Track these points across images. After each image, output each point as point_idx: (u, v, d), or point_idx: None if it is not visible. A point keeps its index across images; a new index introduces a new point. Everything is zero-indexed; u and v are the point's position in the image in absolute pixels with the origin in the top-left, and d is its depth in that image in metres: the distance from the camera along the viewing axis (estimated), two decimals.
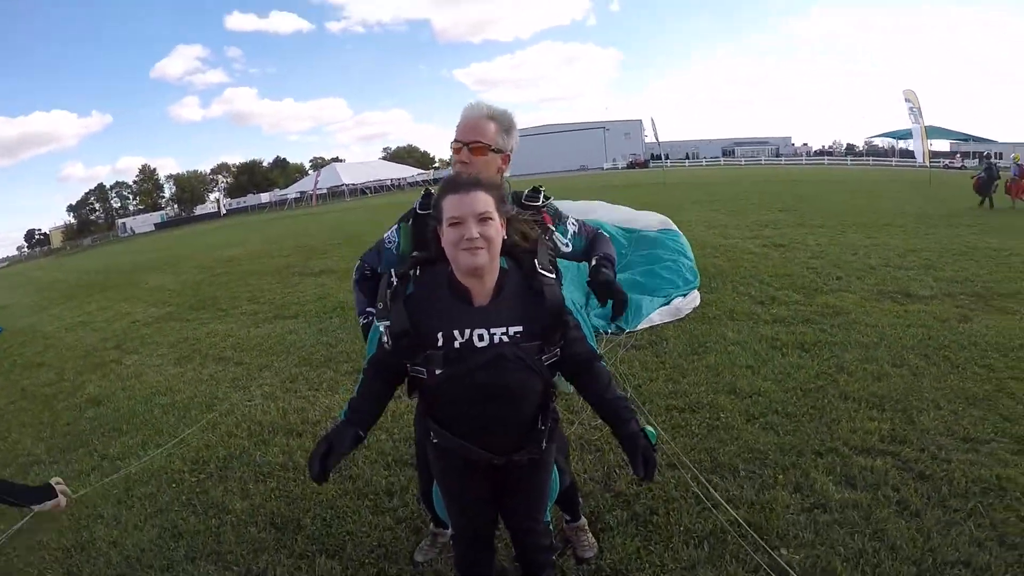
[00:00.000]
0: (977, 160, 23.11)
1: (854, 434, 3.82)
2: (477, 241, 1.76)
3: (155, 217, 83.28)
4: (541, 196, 2.38)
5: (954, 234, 12.07)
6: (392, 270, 1.91)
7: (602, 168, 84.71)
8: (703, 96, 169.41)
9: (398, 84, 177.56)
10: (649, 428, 1.94)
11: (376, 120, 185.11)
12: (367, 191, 71.71)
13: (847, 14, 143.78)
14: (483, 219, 1.78)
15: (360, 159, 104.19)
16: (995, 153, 41.88)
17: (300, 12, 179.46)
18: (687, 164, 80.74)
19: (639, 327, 6.04)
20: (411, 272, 1.91)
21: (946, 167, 54.24)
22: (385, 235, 2.46)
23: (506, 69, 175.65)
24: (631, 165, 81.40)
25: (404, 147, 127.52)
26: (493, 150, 2.26)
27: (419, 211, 2.30)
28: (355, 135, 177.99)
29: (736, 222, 14.60)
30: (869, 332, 5.81)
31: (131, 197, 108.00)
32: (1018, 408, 4.12)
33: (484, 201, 1.80)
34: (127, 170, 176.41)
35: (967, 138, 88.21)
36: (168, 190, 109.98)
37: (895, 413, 4.09)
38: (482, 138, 2.24)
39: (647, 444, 1.87)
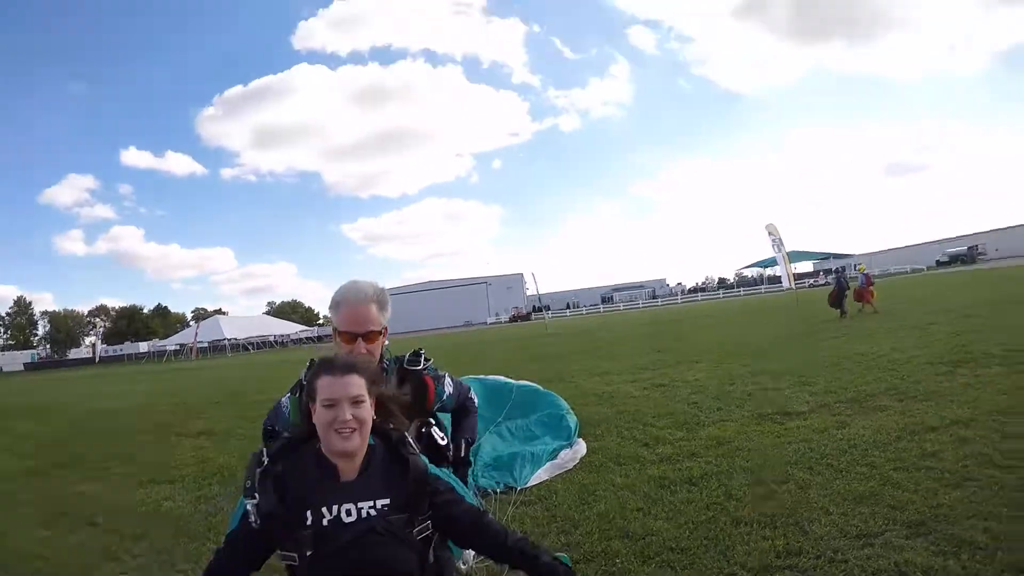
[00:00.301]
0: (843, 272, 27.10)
1: (750, 556, 4.01)
2: (350, 423, 1.89)
3: (25, 356, 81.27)
4: (422, 359, 2.62)
5: (823, 347, 13.35)
6: (263, 448, 2.00)
7: (486, 323, 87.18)
8: (581, 247, 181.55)
9: (286, 237, 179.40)
10: (562, 555, 2.01)
11: (262, 272, 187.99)
12: (250, 347, 71.44)
13: (711, 161, 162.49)
14: (356, 402, 1.93)
15: (244, 312, 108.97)
16: (853, 266, 47.10)
17: (195, 155, 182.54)
18: (568, 314, 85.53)
19: (529, 483, 6.18)
20: (280, 451, 2.00)
21: (810, 286, 59.80)
22: (282, 399, 2.56)
23: (393, 225, 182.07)
24: (514, 318, 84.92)
25: (289, 302, 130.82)
26: (381, 332, 2.49)
27: (305, 383, 2.41)
28: (240, 287, 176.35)
29: (617, 367, 15.29)
30: (753, 456, 6.21)
31: (1, 331, 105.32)
32: (904, 496, 4.55)
33: (358, 384, 1.95)
34: (1, 300, 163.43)
35: (827, 256, 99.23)
36: (42, 327, 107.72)
37: (787, 527, 4.35)
38: (373, 326, 2.46)
39: (567, 569, 1.95)
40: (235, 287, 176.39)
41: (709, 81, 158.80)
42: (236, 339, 71.09)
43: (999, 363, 9.22)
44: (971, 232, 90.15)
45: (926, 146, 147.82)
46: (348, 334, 2.44)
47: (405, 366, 2.60)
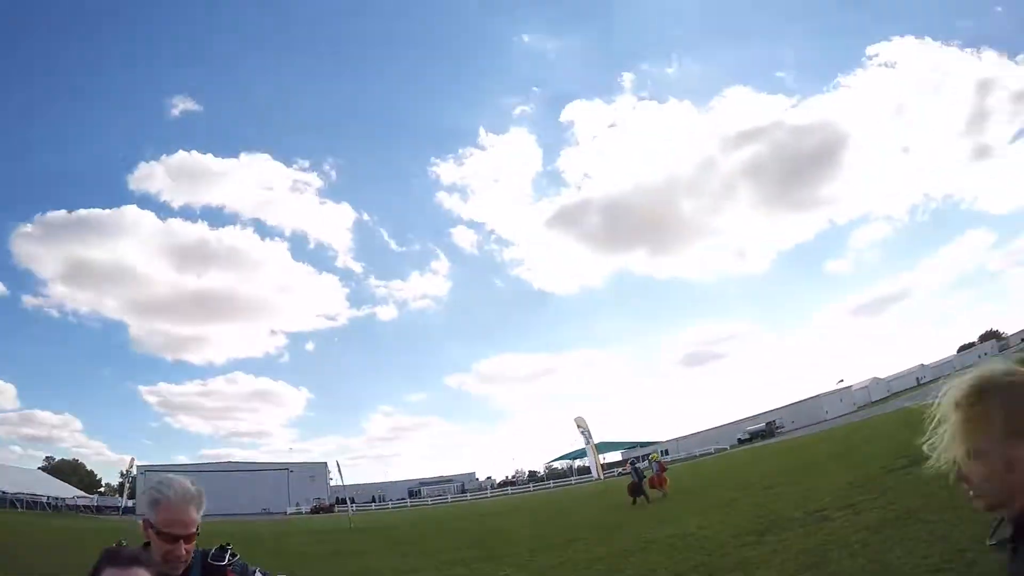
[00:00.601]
0: (646, 463, 29.10)
1: None
2: None
3: None
4: (227, 555, 2.60)
5: (632, 533, 13.74)
6: None
7: (285, 512, 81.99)
8: (390, 438, 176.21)
9: (78, 386, 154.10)
10: None
11: (45, 421, 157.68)
12: (18, 503, 60.95)
13: (523, 356, 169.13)
14: None
15: (17, 462, 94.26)
16: (657, 451, 49.99)
17: (1, 272, 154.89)
18: (373, 507, 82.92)
19: None
20: None
21: (619, 474, 61.94)
22: None
23: (195, 395, 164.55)
24: (315, 510, 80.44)
25: (69, 460, 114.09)
26: (199, 531, 2.48)
27: None
28: (18, 431, 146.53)
29: (425, 564, 14.75)
30: None
31: None
32: None
33: None
34: None
35: (634, 445, 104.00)
36: None
37: None
38: (194, 527, 2.45)
39: None
40: (11, 430, 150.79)
41: (524, 281, 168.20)
42: (5, 492, 61.57)
43: (800, 525, 10.03)
44: (768, 409, 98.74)
45: (727, 336, 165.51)
46: (170, 535, 2.41)
47: (210, 561, 2.56)
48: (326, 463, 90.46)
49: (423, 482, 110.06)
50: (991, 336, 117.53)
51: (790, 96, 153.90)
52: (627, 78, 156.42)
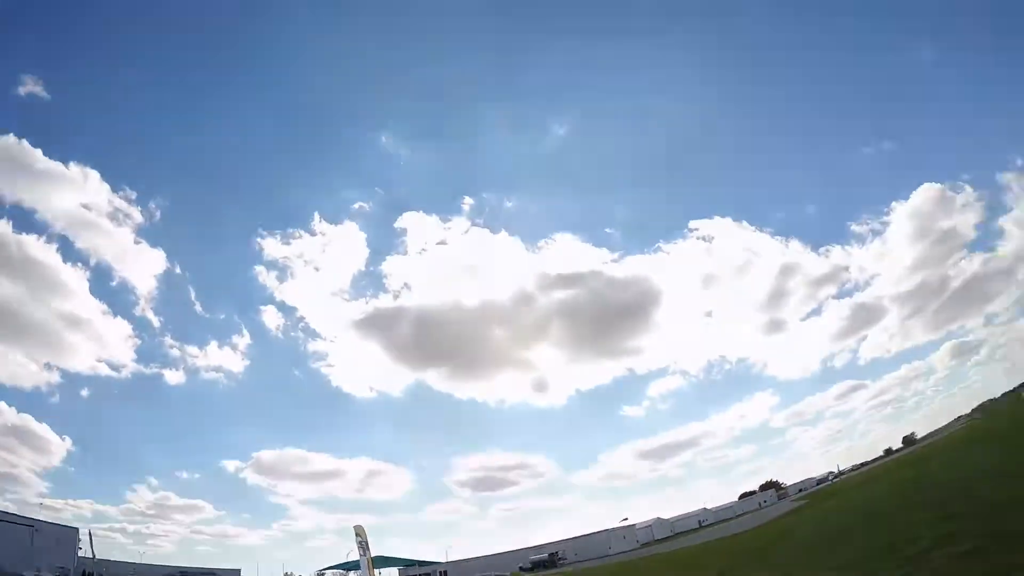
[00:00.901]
0: None
1: None
2: None
3: None
4: None
5: None
6: None
7: (23, 575, 73.45)
8: (153, 513, 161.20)
9: None
10: None
11: None
12: None
13: (307, 453, 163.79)
14: None
15: None
16: (436, 572, 50.85)
17: None
18: None
19: None
20: None
21: None
22: None
23: None
24: None
25: None
26: None
27: None
28: None
29: None
30: None
31: None
32: None
33: None
34: None
35: (413, 563, 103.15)
36: None
37: None
38: None
39: None
40: None
41: (323, 376, 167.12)
42: None
43: None
44: (553, 540, 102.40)
45: (517, 464, 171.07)
46: None
47: None
48: (78, 529, 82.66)
49: (183, 571, 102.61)
50: (770, 486, 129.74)
51: (613, 251, 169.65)
52: (467, 202, 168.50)
